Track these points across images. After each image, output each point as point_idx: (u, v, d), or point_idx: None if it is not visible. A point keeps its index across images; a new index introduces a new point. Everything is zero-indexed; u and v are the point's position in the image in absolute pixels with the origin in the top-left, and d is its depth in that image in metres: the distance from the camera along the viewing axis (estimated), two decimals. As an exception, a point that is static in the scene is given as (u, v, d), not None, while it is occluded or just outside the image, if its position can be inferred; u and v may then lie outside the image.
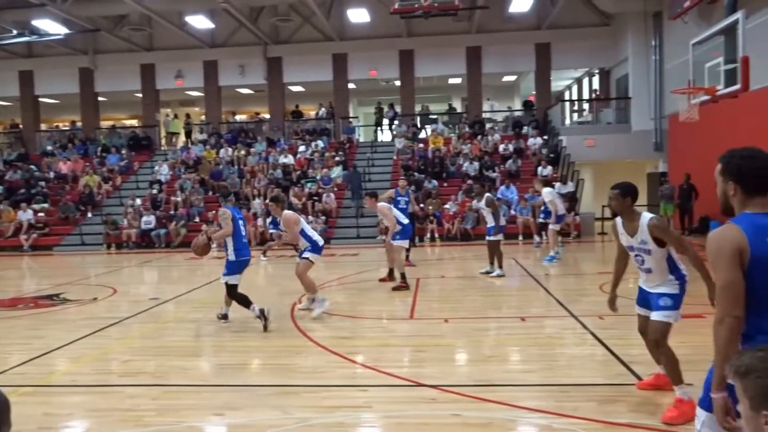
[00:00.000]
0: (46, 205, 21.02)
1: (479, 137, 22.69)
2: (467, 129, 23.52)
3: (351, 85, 25.67)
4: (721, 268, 2.33)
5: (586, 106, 26.01)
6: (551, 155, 20.94)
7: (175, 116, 26.68)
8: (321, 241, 8.42)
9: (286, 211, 8.42)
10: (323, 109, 25.62)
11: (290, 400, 4.96)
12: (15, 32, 20.61)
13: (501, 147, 21.89)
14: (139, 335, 7.59)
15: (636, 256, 4.51)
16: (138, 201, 20.27)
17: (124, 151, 24.15)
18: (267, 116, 26.17)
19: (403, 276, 10.02)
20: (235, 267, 7.63)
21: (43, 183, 22.33)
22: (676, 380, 4.40)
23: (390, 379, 5.41)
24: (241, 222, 7.87)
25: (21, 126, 26.70)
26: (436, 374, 5.48)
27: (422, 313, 8.22)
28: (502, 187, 18.81)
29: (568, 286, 10.16)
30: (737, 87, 11.94)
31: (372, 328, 7.61)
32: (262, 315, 7.33)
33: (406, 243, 10.54)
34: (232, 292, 7.64)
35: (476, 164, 20.84)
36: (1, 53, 24.60)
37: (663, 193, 18.14)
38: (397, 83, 25.32)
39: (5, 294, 11.13)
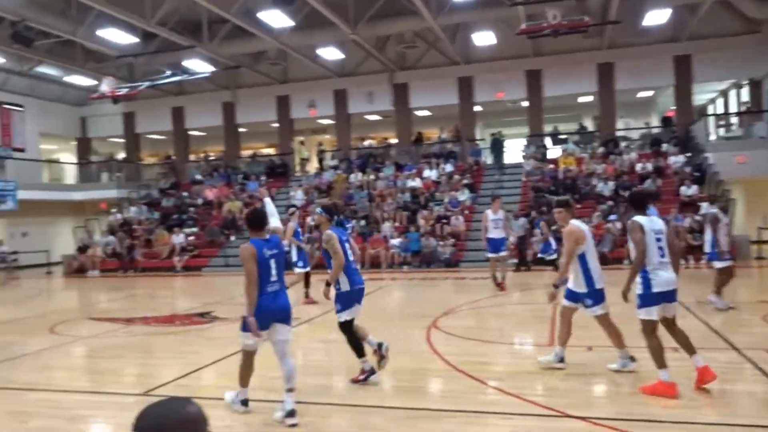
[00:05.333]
0: (195, 229, 22.71)
1: (612, 156, 21.67)
2: (600, 148, 22.56)
3: (477, 108, 25.59)
4: None
5: (734, 120, 24.05)
6: (696, 174, 19.53)
7: (302, 143, 27.94)
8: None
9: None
10: (445, 133, 25.69)
11: (431, 424, 4.93)
12: (169, 72, 22.64)
13: (638, 166, 20.74)
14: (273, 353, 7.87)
15: None
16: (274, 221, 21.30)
17: (262, 178, 25.59)
18: (395, 141, 26.69)
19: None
20: (351, 298, 6.41)
21: (192, 209, 24.17)
22: None
23: (534, 407, 5.22)
24: (347, 244, 6.61)
25: (174, 157, 29.20)
26: (582, 404, 5.21)
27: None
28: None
29: (726, 315, 9.32)
30: None
31: (509, 353, 7.42)
32: (380, 350, 6.33)
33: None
34: (348, 332, 6.36)
35: (611, 184, 19.89)
36: (157, 92, 27.12)
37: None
38: (525, 104, 24.88)
39: (164, 311, 12.09)
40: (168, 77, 22.51)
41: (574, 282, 6.37)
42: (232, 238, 21.98)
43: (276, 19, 18.26)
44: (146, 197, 26.26)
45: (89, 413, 5.79)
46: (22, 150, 26.85)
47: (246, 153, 29.74)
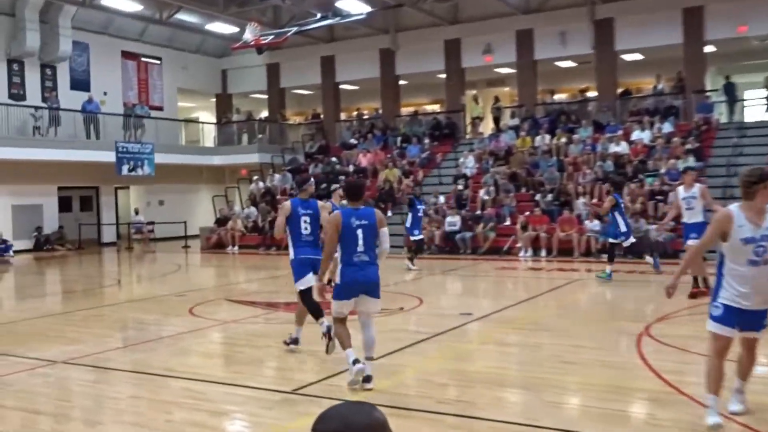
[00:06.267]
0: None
1: None
2: None
3: (709, 48, 23.68)
4: None
5: None
6: None
7: (474, 98, 27.65)
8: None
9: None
10: (662, 83, 24.11)
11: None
12: (319, 16, 23.41)
13: None
14: (454, 355, 7.90)
15: None
16: (441, 198, 21.44)
17: (425, 141, 25.81)
18: (593, 94, 25.58)
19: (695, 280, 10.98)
20: (299, 268, 7.68)
21: (343, 177, 24.99)
22: None
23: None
24: (302, 219, 7.76)
25: (322, 116, 30.38)
26: None
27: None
28: None
29: None
30: None
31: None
32: (328, 333, 7.10)
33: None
34: (305, 301, 7.67)
35: None
36: (305, 39, 28.22)
37: None
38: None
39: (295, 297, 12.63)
40: (318, 21, 23.28)
41: None
42: (389, 213, 22.42)
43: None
44: (291, 163, 27.62)
45: (232, 408, 6.17)
46: (160, 108, 29.51)
47: (406, 111, 30.14)
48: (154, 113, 28.01)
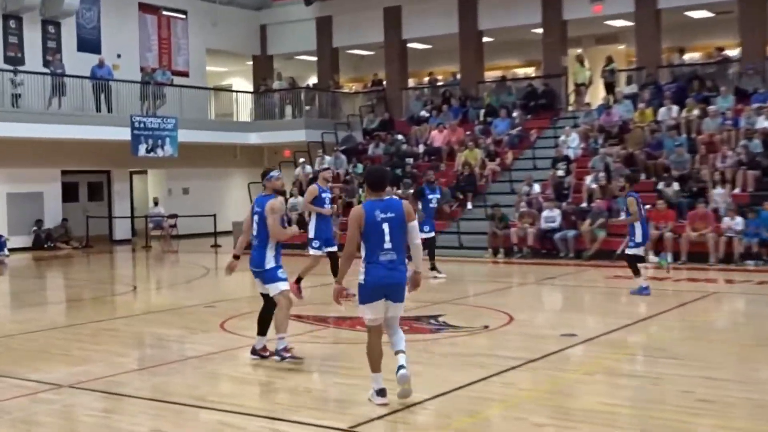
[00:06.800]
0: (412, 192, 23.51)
1: None
2: None
3: None
4: None
5: None
6: None
7: (579, 58, 27.20)
8: None
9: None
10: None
11: None
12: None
13: None
14: (552, 388, 7.84)
15: None
16: (536, 187, 21.28)
17: (515, 114, 25.61)
18: (735, 53, 25.10)
19: None
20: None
21: (411, 160, 25.03)
22: None
23: None
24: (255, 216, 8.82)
25: (385, 83, 30.45)
26: None
27: None
28: None
29: None
30: None
31: None
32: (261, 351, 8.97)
33: None
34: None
35: None
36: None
37: None
38: None
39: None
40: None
41: None
42: (469, 205, 22.36)
43: None
44: (346, 141, 27.77)
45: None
46: (185, 74, 29.96)
47: (492, 75, 29.94)
48: (177, 80, 28.46)
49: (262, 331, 8.94)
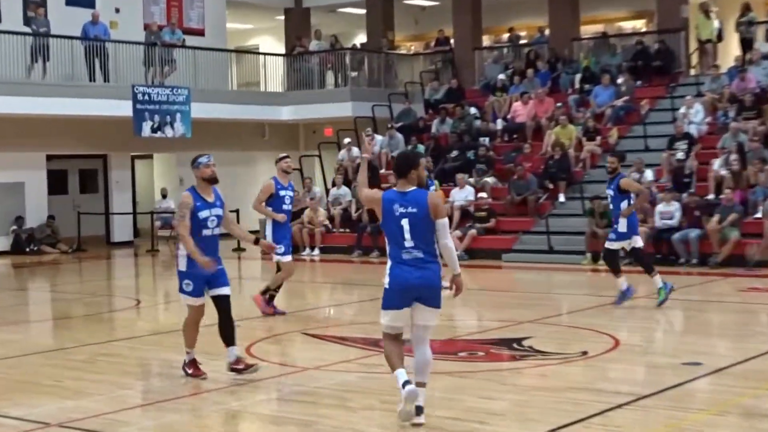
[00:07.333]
0: (491, 179, 23.36)
1: None
2: None
3: None
4: None
5: None
6: None
7: (704, 8, 26.76)
8: None
9: None
10: None
11: None
12: None
13: None
14: (673, 431, 7.74)
15: None
16: (648, 174, 21.08)
17: (621, 80, 25.36)
18: None
19: None
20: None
21: (487, 140, 24.89)
22: None
23: None
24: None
25: (452, 42, 30.33)
26: None
27: None
28: None
29: None
30: None
31: None
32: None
33: None
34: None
35: None
36: None
37: None
38: None
39: (437, 332, 12.62)
40: None
41: None
42: (561, 197, 22.17)
43: None
44: (403, 117, 27.72)
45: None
46: (199, 33, 30.06)
47: (590, 31, 29.76)
48: (190, 41, 28.55)
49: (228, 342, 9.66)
